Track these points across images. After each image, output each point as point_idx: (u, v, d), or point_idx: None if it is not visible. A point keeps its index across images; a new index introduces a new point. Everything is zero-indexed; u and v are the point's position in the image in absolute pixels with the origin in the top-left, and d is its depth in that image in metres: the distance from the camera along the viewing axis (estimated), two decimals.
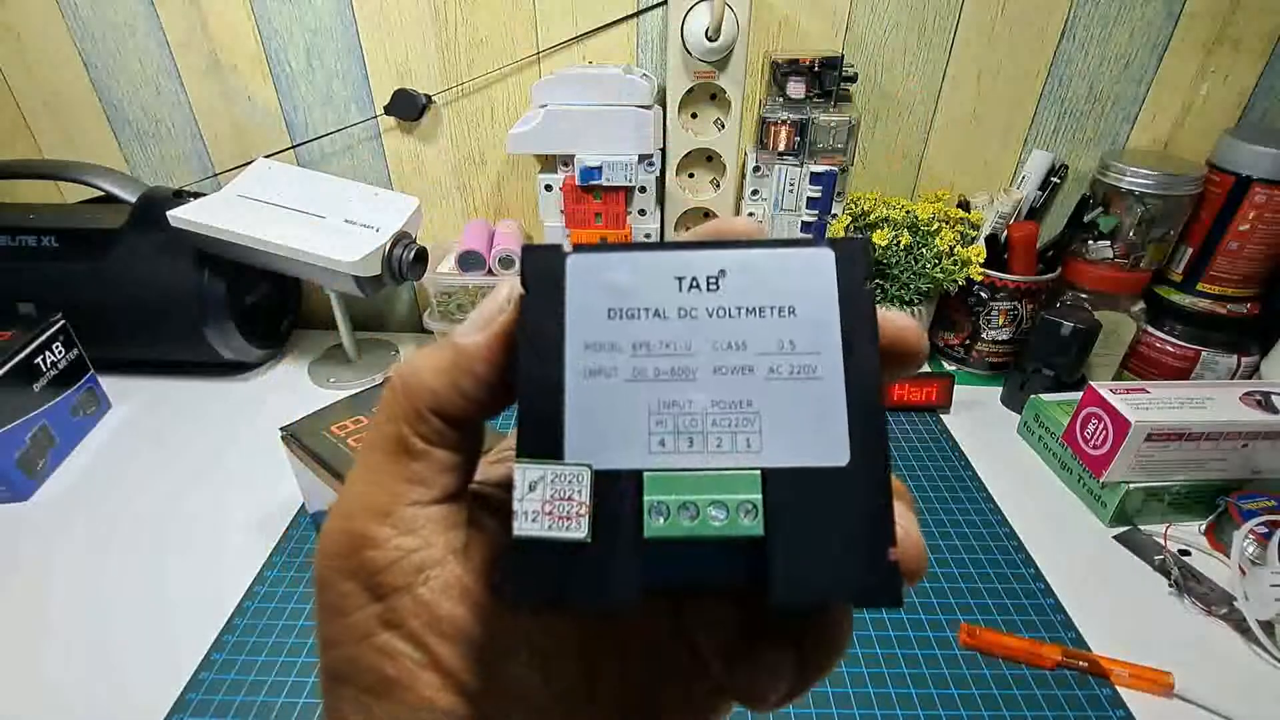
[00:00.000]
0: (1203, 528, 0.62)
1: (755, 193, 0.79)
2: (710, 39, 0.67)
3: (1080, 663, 0.49)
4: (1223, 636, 0.52)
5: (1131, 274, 0.78)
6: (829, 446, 0.14)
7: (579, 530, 0.14)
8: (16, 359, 0.65)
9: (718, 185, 0.80)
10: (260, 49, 0.80)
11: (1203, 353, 0.77)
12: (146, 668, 0.50)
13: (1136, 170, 0.74)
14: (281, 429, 0.57)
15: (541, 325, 0.15)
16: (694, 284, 0.15)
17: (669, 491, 0.14)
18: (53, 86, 0.83)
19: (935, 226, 0.76)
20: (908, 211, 0.77)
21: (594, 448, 0.14)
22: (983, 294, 0.80)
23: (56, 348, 0.70)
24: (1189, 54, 0.75)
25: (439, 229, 0.90)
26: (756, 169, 0.77)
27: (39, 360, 0.67)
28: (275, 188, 0.76)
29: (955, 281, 0.76)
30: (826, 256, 0.15)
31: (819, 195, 0.76)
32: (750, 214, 0.79)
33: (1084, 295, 0.80)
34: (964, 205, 0.82)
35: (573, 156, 0.74)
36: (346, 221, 0.73)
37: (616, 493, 0.14)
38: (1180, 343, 0.78)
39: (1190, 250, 0.78)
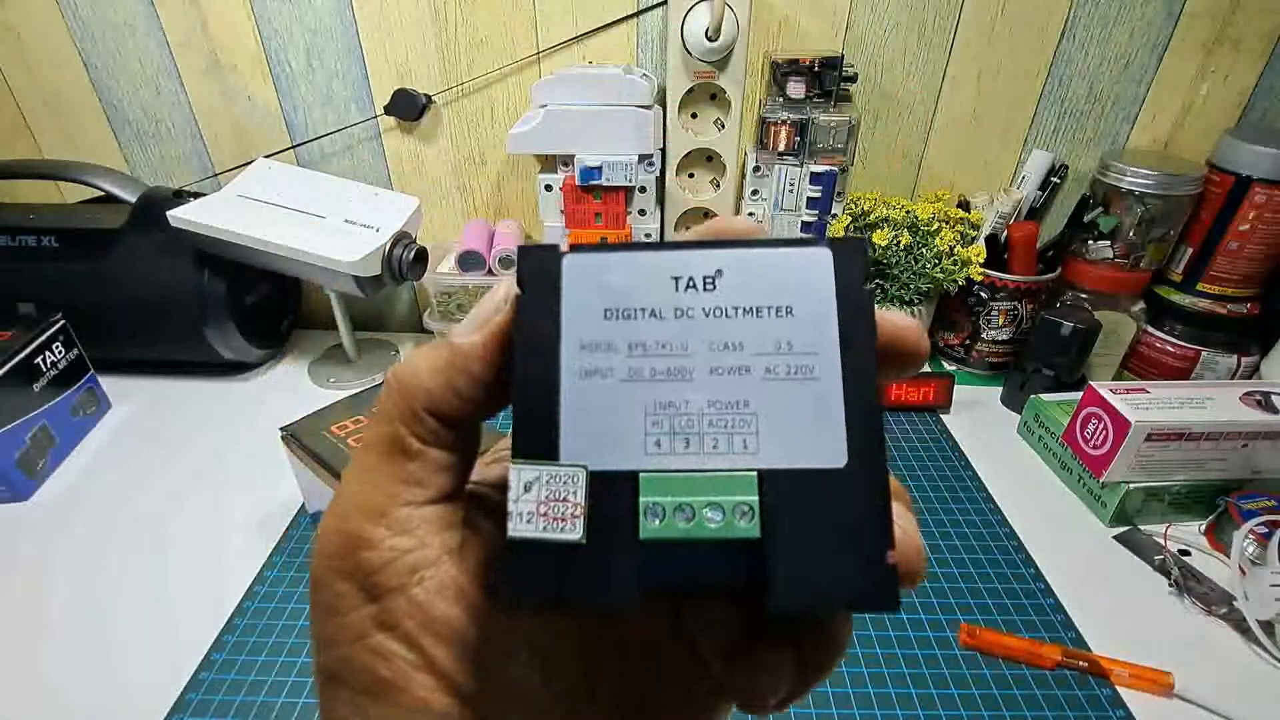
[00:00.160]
0: (1203, 528, 0.61)
1: (755, 193, 0.79)
2: (710, 39, 0.67)
3: (1080, 663, 0.49)
4: (1223, 636, 0.52)
5: (1131, 274, 0.78)
6: (826, 448, 0.14)
7: (574, 532, 0.14)
8: (16, 359, 0.65)
9: (718, 185, 0.80)
10: (260, 49, 0.80)
11: (1203, 353, 0.77)
12: (146, 668, 0.50)
13: (1136, 170, 0.74)
14: (281, 429, 0.57)
15: (537, 325, 0.15)
16: (690, 284, 0.15)
17: (665, 493, 0.14)
18: (53, 86, 0.83)
19: (935, 226, 0.76)
20: (908, 211, 0.77)
21: (589, 449, 0.14)
22: (983, 294, 0.80)
23: (56, 348, 0.70)
24: (1189, 54, 0.75)
25: (439, 229, 0.90)
26: (756, 169, 0.77)
27: (39, 360, 0.67)
28: (275, 188, 0.76)
29: (955, 281, 0.76)
30: (824, 256, 0.15)
31: (819, 195, 0.76)
32: (750, 214, 0.79)
33: (1084, 295, 0.80)
34: (964, 205, 0.82)
35: (573, 156, 0.74)
36: (346, 221, 0.73)
37: (612, 494, 0.14)
38: (1180, 343, 0.78)
39: (1190, 250, 0.78)
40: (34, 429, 0.66)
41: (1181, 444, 0.60)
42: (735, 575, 0.14)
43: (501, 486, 0.18)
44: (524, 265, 0.15)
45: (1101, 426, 0.62)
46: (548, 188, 0.78)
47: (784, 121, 0.73)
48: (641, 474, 0.14)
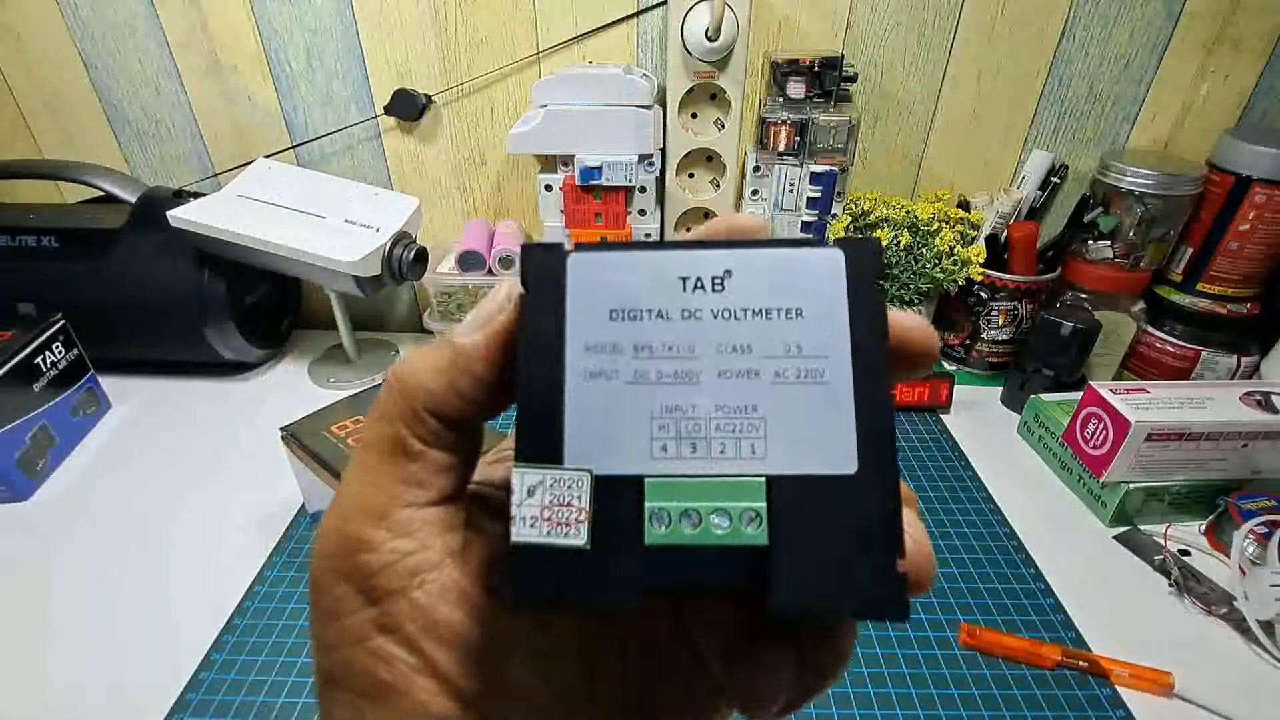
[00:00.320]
0: (1203, 528, 0.61)
1: (755, 193, 0.79)
2: (710, 39, 0.67)
3: (1080, 663, 0.49)
4: (1223, 636, 0.52)
5: (1131, 274, 0.78)
6: (837, 454, 0.14)
7: (578, 537, 0.14)
8: (16, 359, 0.65)
9: (718, 185, 0.80)
10: (260, 49, 0.80)
11: (1203, 353, 0.77)
12: (146, 668, 0.50)
13: (1136, 170, 0.74)
14: (281, 429, 0.57)
15: (541, 325, 0.14)
16: (698, 284, 0.14)
17: (671, 498, 0.14)
18: (53, 86, 0.83)
19: (935, 226, 0.76)
20: (908, 211, 0.77)
21: (594, 452, 0.14)
22: (983, 294, 0.80)
23: (56, 348, 0.70)
24: (1189, 54, 0.75)
25: (439, 229, 0.90)
26: (756, 169, 0.77)
27: (39, 360, 0.67)
28: (275, 188, 0.76)
29: (955, 281, 0.76)
30: (836, 257, 0.14)
31: (819, 195, 0.76)
32: (750, 214, 0.79)
33: (1084, 295, 0.80)
34: (964, 205, 0.82)
35: (573, 156, 0.74)
36: (346, 221, 0.73)
37: (617, 499, 0.14)
38: (1180, 343, 0.78)
39: (1190, 250, 0.78)
40: (34, 429, 0.66)
41: (1181, 444, 0.60)
42: (738, 576, 0.14)
43: (504, 487, 0.18)
44: (528, 263, 0.15)
45: (1101, 426, 0.62)
46: (548, 188, 0.78)
47: (784, 121, 0.73)
48: (647, 479, 0.14)
